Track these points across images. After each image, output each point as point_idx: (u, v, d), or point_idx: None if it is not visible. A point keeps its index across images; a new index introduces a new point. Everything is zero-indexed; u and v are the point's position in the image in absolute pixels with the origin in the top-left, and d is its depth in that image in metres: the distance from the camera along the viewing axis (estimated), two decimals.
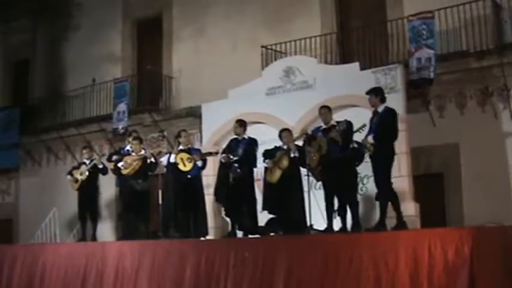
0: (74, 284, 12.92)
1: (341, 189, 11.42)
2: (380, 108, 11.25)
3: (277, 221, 12.37)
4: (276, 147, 12.64)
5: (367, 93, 11.51)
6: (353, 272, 9.34)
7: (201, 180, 13.67)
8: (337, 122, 11.53)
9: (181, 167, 13.22)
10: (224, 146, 13.60)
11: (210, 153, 13.49)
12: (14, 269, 14.17)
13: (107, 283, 12.38)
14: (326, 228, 11.38)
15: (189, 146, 13.84)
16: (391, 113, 11.21)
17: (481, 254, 8.36)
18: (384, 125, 11.02)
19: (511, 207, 13.77)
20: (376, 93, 11.38)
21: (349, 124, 11.35)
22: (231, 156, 12.71)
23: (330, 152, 11.32)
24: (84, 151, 15.73)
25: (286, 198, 12.14)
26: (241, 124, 13.25)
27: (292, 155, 12.21)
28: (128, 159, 14.00)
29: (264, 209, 12.68)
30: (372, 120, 11.28)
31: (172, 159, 13.36)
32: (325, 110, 12.04)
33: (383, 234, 10.22)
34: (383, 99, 11.32)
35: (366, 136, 11.14)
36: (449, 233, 8.93)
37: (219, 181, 13.27)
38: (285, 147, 12.46)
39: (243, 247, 10.86)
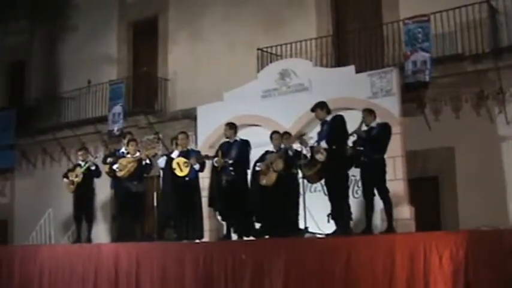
0: (73, 285, 12.95)
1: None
2: (328, 118, 11.64)
3: (271, 223, 12.35)
4: (267, 151, 12.71)
5: (313, 110, 11.88)
6: (350, 275, 9.36)
7: (198, 182, 13.64)
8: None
9: (177, 172, 13.17)
10: (216, 150, 13.58)
11: (207, 157, 13.42)
12: (13, 270, 14.20)
13: (106, 285, 12.39)
14: (364, 229, 11.34)
15: (188, 148, 13.76)
16: (340, 118, 11.56)
17: (476, 257, 8.38)
18: (335, 129, 11.34)
19: (506, 210, 13.82)
20: (322, 107, 11.78)
21: None
22: (227, 159, 12.70)
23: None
24: (80, 153, 15.69)
25: (280, 201, 12.14)
26: (232, 127, 13.25)
27: (290, 154, 12.28)
28: (123, 161, 13.97)
29: (254, 215, 12.78)
30: (320, 130, 11.66)
31: (173, 158, 13.35)
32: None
33: (379, 238, 10.26)
34: (329, 111, 11.73)
35: (318, 143, 11.33)
36: (444, 236, 8.95)
37: (213, 186, 13.27)
38: (274, 150, 12.52)
39: (240, 249, 10.87)
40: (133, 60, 21.80)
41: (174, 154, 13.43)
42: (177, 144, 13.68)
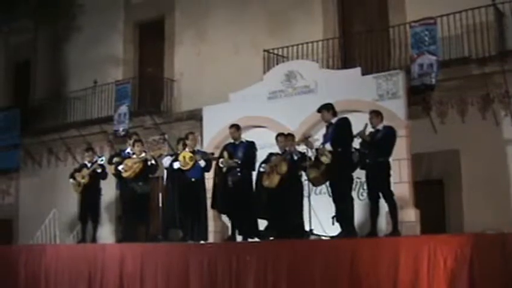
0: (78, 286, 12.99)
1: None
2: (333, 120, 11.66)
3: (276, 225, 12.35)
4: (271, 153, 12.72)
5: (319, 110, 11.94)
6: (354, 277, 9.36)
7: (204, 183, 13.58)
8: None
9: (181, 164, 13.11)
10: (219, 152, 13.56)
11: (213, 156, 13.40)
12: (18, 269, 14.27)
13: (111, 285, 12.42)
14: (369, 232, 11.33)
15: (195, 149, 13.71)
16: (346, 121, 11.60)
17: (481, 261, 8.37)
18: (340, 131, 11.37)
19: (511, 214, 13.77)
20: (328, 109, 11.84)
21: None
22: (236, 160, 12.68)
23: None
24: (87, 154, 15.72)
25: (284, 202, 12.14)
26: (238, 128, 13.29)
27: (295, 157, 12.26)
28: (128, 161, 13.96)
29: (258, 216, 12.78)
30: (326, 132, 11.70)
31: (176, 166, 13.34)
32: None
33: (383, 240, 10.26)
34: (335, 113, 11.79)
35: (323, 145, 11.35)
36: (449, 239, 8.95)
37: (217, 188, 13.27)
38: (280, 152, 12.52)
39: (244, 251, 10.88)
40: (139, 60, 21.83)
41: (176, 164, 13.38)
42: (184, 145, 13.64)
